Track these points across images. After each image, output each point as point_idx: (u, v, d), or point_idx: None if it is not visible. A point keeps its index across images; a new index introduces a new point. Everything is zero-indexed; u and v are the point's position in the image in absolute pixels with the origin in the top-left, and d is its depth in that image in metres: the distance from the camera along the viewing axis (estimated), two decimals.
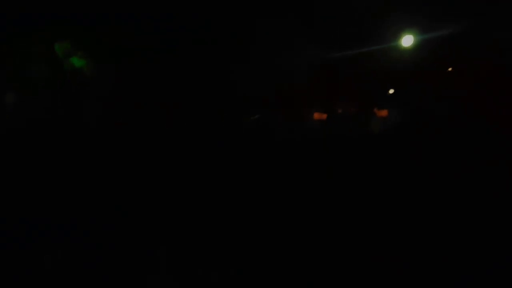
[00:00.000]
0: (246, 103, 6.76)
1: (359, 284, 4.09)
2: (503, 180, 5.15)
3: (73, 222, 4.85)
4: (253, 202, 5.29)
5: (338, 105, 7.31)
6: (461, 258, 4.23)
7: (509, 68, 6.13)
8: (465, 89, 6.50)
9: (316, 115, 7.19)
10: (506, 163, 5.35)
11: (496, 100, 6.10)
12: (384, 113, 7.19)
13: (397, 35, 6.75)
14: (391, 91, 7.41)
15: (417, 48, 6.73)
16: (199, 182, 5.58)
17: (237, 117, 6.70)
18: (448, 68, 7.01)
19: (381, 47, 6.80)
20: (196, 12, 6.23)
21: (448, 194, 5.15)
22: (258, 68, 6.46)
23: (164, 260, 4.44)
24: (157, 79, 6.41)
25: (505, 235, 4.45)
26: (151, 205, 5.23)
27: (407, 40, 6.72)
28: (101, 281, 4.21)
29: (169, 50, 6.39)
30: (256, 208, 5.19)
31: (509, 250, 4.24)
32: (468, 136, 5.91)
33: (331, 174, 5.84)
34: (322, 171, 5.90)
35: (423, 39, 6.65)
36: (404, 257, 4.34)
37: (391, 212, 5.04)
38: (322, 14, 6.41)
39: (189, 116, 6.62)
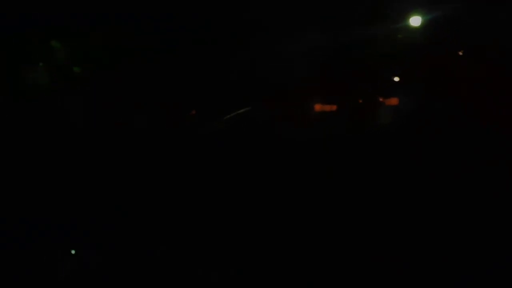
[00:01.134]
0: (247, 101, 6.73)
1: (359, 284, 4.09)
2: (503, 180, 5.15)
3: (73, 222, 4.85)
4: (253, 202, 5.29)
5: (340, 97, 7.00)
6: (461, 258, 4.23)
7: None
8: (469, 85, 6.29)
9: (318, 107, 6.92)
10: (506, 163, 5.34)
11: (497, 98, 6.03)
12: (393, 101, 6.80)
13: (404, 15, 6.38)
14: (397, 79, 6.92)
15: (426, 29, 6.30)
16: (199, 182, 5.57)
17: (235, 116, 6.68)
18: (459, 52, 6.52)
19: (386, 29, 6.39)
20: (196, 12, 6.22)
21: (448, 194, 5.14)
22: (259, 61, 6.36)
23: (164, 260, 4.44)
24: (157, 79, 6.41)
25: (505, 235, 4.45)
26: (151, 205, 5.23)
27: (416, 20, 6.24)
28: (101, 281, 4.21)
29: (169, 50, 6.38)
30: (256, 208, 5.19)
31: (509, 250, 4.24)
32: (467, 135, 5.89)
33: (331, 172, 5.83)
34: (321, 168, 5.88)
35: (433, 18, 6.15)
36: (404, 257, 4.34)
37: (390, 212, 5.03)
38: None
39: (189, 115, 6.61)
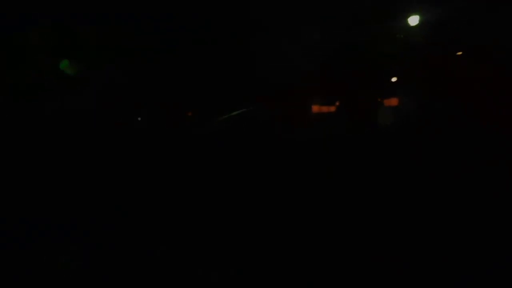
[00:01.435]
0: (247, 101, 6.73)
1: (359, 284, 4.08)
2: (503, 180, 5.15)
3: (73, 222, 4.85)
4: (253, 202, 5.29)
5: (340, 96, 6.96)
6: (461, 258, 4.23)
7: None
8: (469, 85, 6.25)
9: (318, 107, 6.89)
10: (506, 163, 5.34)
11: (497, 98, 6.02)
12: (393, 101, 6.74)
13: (404, 15, 6.28)
14: (395, 79, 6.85)
15: (426, 29, 6.21)
16: (199, 182, 5.57)
17: (235, 116, 6.68)
18: (459, 52, 6.44)
19: (386, 29, 6.31)
20: (196, 12, 6.23)
21: (448, 194, 5.15)
22: (259, 61, 6.35)
23: (164, 260, 4.44)
24: (157, 79, 6.41)
25: (505, 235, 4.45)
26: (151, 205, 5.23)
27: (413, 20, 6.17)
28: (101, 281, 4.21)
29: (169, 50, 6.38)
30: (256, 208, 5.19)
31: (509, 250, 4.24)
32: (467, 135, 5.89)
33: (331, 171, 5.83)
34: (321, 168, 5.88)
35: (432, 18, 6.09)
36: (404, 257, 4.33)
37: (390, 211, 5.03)
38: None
39: (189, 116, 6.61)
